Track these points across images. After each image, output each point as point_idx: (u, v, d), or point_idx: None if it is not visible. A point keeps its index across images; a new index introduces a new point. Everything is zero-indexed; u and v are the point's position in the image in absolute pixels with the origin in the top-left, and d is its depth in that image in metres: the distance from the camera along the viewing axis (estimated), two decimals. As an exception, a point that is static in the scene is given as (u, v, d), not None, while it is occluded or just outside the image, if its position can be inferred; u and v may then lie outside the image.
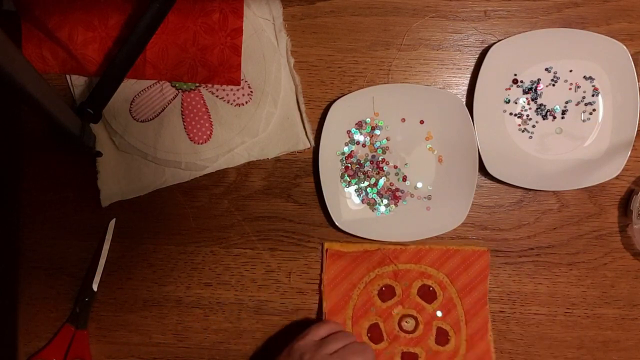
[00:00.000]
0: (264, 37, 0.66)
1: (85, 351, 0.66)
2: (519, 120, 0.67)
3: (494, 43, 0.66)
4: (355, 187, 0.67)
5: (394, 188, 0.67)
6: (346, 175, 0.67)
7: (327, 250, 0.67)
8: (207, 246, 0.67)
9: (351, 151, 0.67)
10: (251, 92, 0.66)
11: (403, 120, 0.67)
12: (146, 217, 0.67)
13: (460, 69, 0.67)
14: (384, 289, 0.66)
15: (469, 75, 0.67)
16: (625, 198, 0.68)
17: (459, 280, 0.67)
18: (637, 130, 0.65)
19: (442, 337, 0.66)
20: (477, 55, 0.67)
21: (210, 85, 0.66)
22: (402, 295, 0.66)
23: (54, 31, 0.63)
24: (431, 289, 0.67)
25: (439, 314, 0.67)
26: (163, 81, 0.66)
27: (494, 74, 0.66)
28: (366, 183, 0.67)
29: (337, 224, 0.65)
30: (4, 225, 0.68)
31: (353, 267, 0.67)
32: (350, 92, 0.66)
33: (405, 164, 0.67)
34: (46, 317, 0.67)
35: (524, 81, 0.67)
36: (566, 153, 0.67)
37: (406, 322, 0.66)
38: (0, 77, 0.42)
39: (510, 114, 0.67)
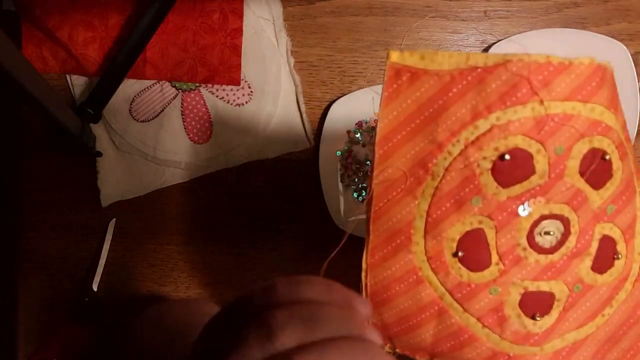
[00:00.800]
0: (264, 37, 0.66)
1: (84, 351, 0.66)
2: (519, 120, 0.67)
3: (494, 43, 0.66)
4: (355, 187, 0.67)
5: (394, 188, 0.67)
6: (346, 175, 0.67)
7: (390, 65, 0.33)
8: (207, 246, 0.67)
9: (351, 151, 0.67)
10: (251, 92, 0.66)
11: (403, 120, 0.67)
12: (146, 217, 0.67)
13: (460, 69, 0.67)
14: (507, 157, 0.31)
15: (469, 75, 0.67)
16: (625, 198, 0.68)
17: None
18: (637, 131, 0.65)
19: (606, 255, 0.35)
20: (477, 55, 0.67)
21: (210, 85, 0.66)
22: (549, 173, 0.32)
23: (54, 31, 0.63)
24: (607, 157, 0.33)
25: (610, 209, 0.34)
26: (163, 81, 0.66)
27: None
28: (366, 183, 0.67)
29: (337, 223, 0.65)
30: (4, 225, 0.68)
31: (441, 105, 0.32)
32: (350, 92, 0.66)
33: (405, 164, 0.67)
34: (46, 317, 0.67)
35: (524, 81, 0.67)
36: (566, 153, 0.67)
37: (546, 230, 0.33)
38: (1, 77, 0.42)
39: (510, 114, 0.67)
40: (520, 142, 0.31)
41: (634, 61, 0.65)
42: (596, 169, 0.33)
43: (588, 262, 0.34)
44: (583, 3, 0.67)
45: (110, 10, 0.64)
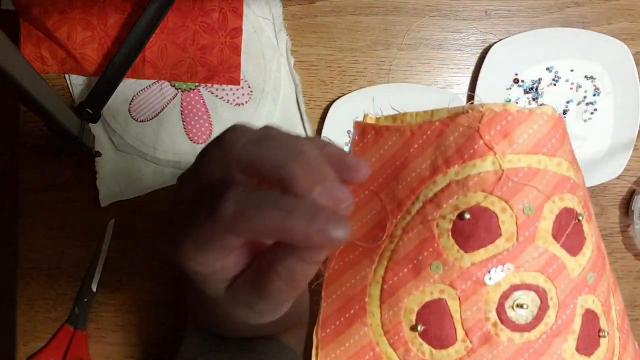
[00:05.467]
0: (264, 37, 0.66)
1: (84, 352, 0.65)
2: (519, 120, 0.67)
3: (495, 42, 0.66)
4: (356, 187, 0.67)
5: (394, 188, 0.67)
6: (346, 175, 0.67)
7: (356, 123, 0.33)
8: (207, 246, 0.67)
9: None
10: (251, 91, 0.66)
11: (403, 120, 0.67)
12: (145, 217, 0.67)
13: (461, 68, 0.67)
14: (467, 216, 0.28)
15: (470, 75, 0.67)
16: (627, 198, 0.67)
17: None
18: (639, 130, 0.65)
19: (590, 332, 0.30)
20: (478, 55, 0.67)
21: (209, 85, 0.66)
22: (517, 235, 0.28)
23: (53, 31, 0.63)
24: (580, 219, 0.30)
25: (590, 278, 0.30)
26: (162, 81, 0.66)
27: (494, 74, 0.66)
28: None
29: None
30: (2, 226, 0.68)
31: (403, 161, 0.30)
32: (350, 91, 0.66)
33: (406, 164, 0.67)
34: (45, 317, 0.67)
35: (525, 81, 0.67)
36: (567, 153, 0.67)
37: (519, 303, 0.29)
38: (-1, 77, 0.42)
39: (511, 113, 0.67)
40: (481, 199, 0.28)
41: (635, 61, 0.65)
42: (571, 231, 0.29)
43: (572, 341, 0.29)
44: (584, 2, 0.67)
45: (109, 9, 0.64)
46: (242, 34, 0.66)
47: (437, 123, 0.29)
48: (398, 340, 0.29)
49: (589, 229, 0.30)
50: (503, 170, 0.27)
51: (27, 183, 0.67)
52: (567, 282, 0.29)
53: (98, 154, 0.65)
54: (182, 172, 0.29)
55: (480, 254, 0.28)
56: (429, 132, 0.29)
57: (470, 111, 0.28)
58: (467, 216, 0.28)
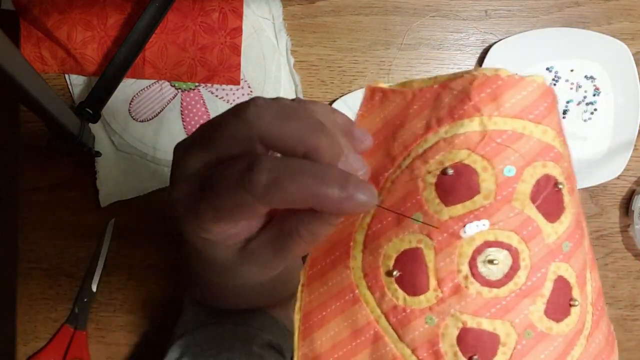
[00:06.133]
0: (264, 37, 0.66)
1: (84, 352, 0.66)
2: (519, 120, 0.67)
3: (495, 42, 0.66)
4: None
5: (394, 188, 0.67)
6: (346, 175, 0.67)
7: (368, 86, 0.34)
8: (207, 246, 0.67)
9: (351, 151, 0.67)
10: (251, 91, 0.66)
11: (403, 120, 0.67)
12: (145, 217, 0.67)
13: (461, 68, 0.67)
14: (450, 172, 0.29)
15: (470, 75, 0.67)
16: (627, 198, 0.67)
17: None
18: (639, 130, 0.65)
19: (561, 299, 0.30)
20: (478, 55, 0.67)
21: (209, 85, 0.66)
22: (495, 194, 0.29)
23: (53, 30, 0.63)
24: (560, 187, 0.30)
25: (565, 247, 0.31)
26: (162, 81, 0.66)
27: (494, 74, 0.66)
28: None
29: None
30: (3, 226, 0.68)
31: (401, 121, 0.32)
32: (350, 91, 0.66)
33: (406, 164, 0.67)
34: (45, 317, 0.67)
35: (524, 81, 0.67)
36: (567, 153, 0.67)
37: (490, 259, 0.29)
38: (-2, 77, 0.42)
39: (511, 113, 0.67)
40: (464, 156, 0.29)
41: (635, 61, 0.65)
42: (549, 198, 0.30)
43: (540, 304, 0.29)
44: (584, 2, 0.67)
45: (109, 9, 0.64)
46: (242, 34, 0.66)
47: (435, 86, 0.31)
48: (376, 284, 0.31)
49: (570, 201, 0.31)
50: (487, 131, 0.28)
51: (27, 183, 0.67)
52: (541, 246, 0.29)
53: (98, 154, 0.65)
54: (181, 142, 0.29)
55: (458, 209, 0.29)
56: (427, 94, 0.31)
57: (465, 75, 0.29)
58: (450, 172, 0.29)
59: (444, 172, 0.29)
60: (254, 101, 0.26)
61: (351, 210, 0.24)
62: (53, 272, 0.67)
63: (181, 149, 0.28)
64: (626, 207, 0.67)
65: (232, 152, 0.26)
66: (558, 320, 0.30)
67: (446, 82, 0.30)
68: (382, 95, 0.33)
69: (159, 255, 0.67)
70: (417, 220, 0.29)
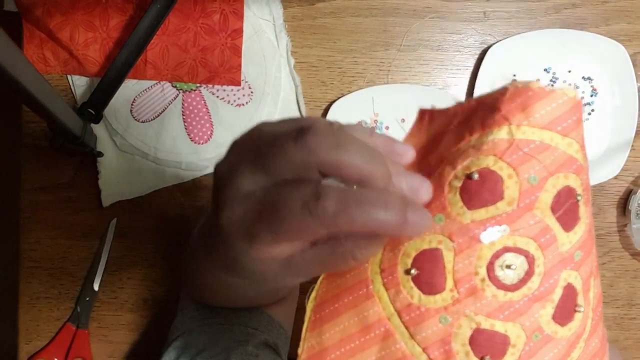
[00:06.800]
0: (264, 38, 0.67)
1: (86, 351, 0.66)
2: (518, 121, 0.67)
3: (493, 44, 0.66)
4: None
5: (393, 188, 0.67)
6: (346, 175, 0.67)
7: (420, 109, 0.35)
8: (208, 246, 0.67)
9: (351, 151, 0.67)
10: (251, 92, 0.67)
11: (403, 120, 0.67)
12: (147, 217, 0.67)
13: (460, 69, 0.68)
14: (475, 177, 0.30)
15: (469, 76, 0.68)
16: (624, 198, 0.68)
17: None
18: (636, 131, 0.66)
19: (568, 305, 0.31)
20: (477, 56, 0.68)
21: (210, 86, 0.66)
22: (518, 201, 0.30)
23: (56, 32, 0.64)
24: (578, 199, 0.32)
25: (577, 256, 0.32)
26: (164, 82, 0.66)
27: (493, 75, 0.66)
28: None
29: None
30: (6, 225, 0.68)
31: (442, 136, 0.34)
32: (350, 92, 0.66)
33: (405, 164, 0.68)
34: (47, 316, 0.67)
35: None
36: (565, 153, 0.67)
37: (508, 264, 0.30)
38: (2, 78, 0.42)
39: (510, 114, 0.68)
40: (491, 163, 0.30)
41: (632, 62, 0.65)
42: (568, 209, 0.31)
43: (549, 309, 0.30)
44: (582, 4, 0.67)
45: (111, 11, 0.65)
46: (242, 36, 0.66)
47: (473, 102, 0.32)
48: (392, 280, 0.31)
49: (585, 212, 0.32)
50: (514, 139, 0.29)
51: (30, 183, 0.67)
52: (555, 254, 0.31)
53: (100, 154, 0.66)
54: (224, 160, 0.29)
55: (481, 213, 0.30)
56: (466, 110, 0.32)
57: (500, 89, 0.30)
58: (476, 176, 0.30)
59: (469, 176, 0.30)
60: (313, 129, 0.27)
61: (409, 234, 0.26)
62: (55, 271, 0.67)
63: (227, 168, 0.29)
64: (623, 206, 0.68)
65: (289, 176, 0.27)
66: (563, 324, 0.31)
67: (482, 97, 0.31)
68: (430, 115, 0.34)
69: (160, 254, 0.67)
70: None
